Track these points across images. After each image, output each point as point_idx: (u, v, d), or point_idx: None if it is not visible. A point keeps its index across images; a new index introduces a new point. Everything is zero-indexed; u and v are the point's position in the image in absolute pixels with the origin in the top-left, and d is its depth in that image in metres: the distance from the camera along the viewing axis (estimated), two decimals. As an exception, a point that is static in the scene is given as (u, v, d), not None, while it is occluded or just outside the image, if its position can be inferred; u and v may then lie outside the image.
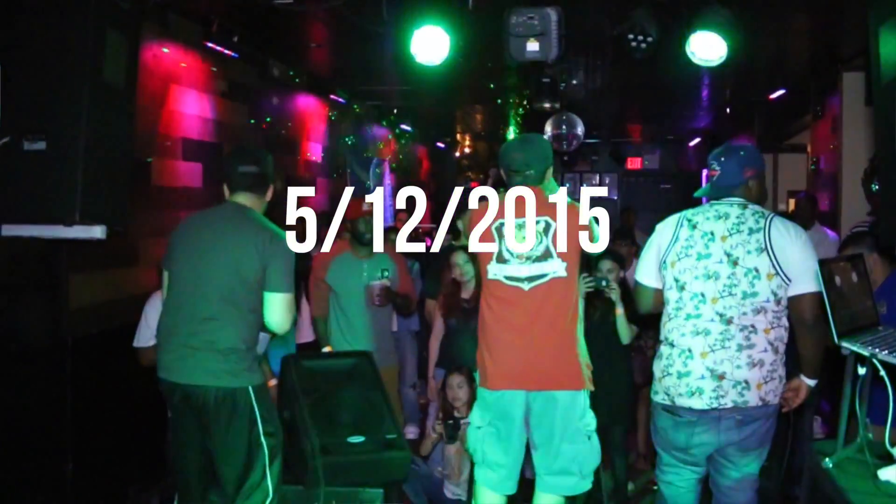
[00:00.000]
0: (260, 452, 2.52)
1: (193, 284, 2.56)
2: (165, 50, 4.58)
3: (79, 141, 2.53)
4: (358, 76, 7.12)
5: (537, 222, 2.49)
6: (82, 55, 2.55)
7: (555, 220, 2.47)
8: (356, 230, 3.89)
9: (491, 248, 2.53)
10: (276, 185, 2.82)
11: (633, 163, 12.61)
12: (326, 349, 3.88)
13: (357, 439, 3.10)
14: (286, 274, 2.52)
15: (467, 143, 12.38)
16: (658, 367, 2.55)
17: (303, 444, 2.98)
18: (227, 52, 5.24)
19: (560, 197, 2.54)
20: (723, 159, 2.56)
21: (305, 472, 2.93)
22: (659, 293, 2.59)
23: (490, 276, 2.53)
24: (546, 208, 2.49)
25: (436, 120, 10.03)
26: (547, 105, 6.65)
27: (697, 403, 2.44)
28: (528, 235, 2.48)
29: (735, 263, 2.46)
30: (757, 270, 2.44)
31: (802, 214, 5.16)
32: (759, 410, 2.43)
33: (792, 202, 6.50)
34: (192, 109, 5.05)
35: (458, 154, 12.60)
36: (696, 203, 2.76)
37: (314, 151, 7.51)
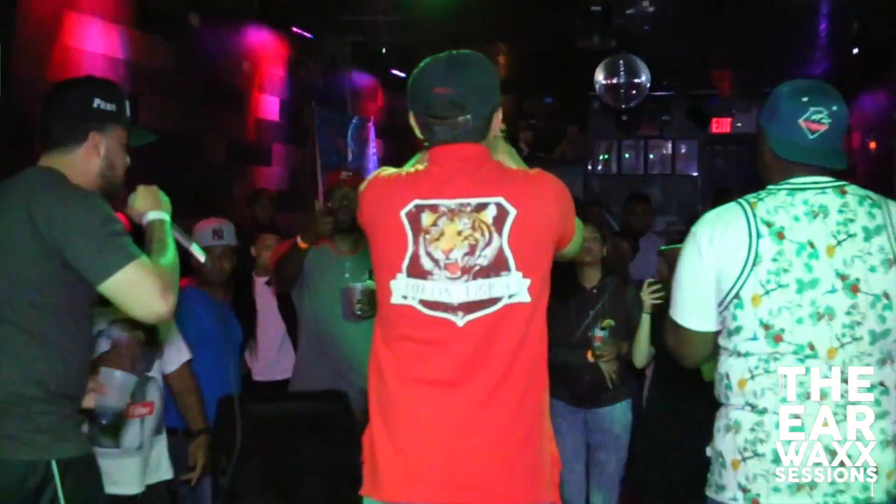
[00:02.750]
0: None
1: None
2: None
3: None
4: (332, 1, 7.23)
5: (481, 207, 2.19)
6: None
7: (513, 202, 2.18)
8: (332, 209, 3.88)
9: (396, 250, 2.20)
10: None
11: (720, 125, 12.43)
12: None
13: (326, 517, 3.00)
14: (104, 240, 2.23)
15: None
16: (730, 444, 2.23)
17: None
18: (144, -34, 5.47)
19: (517, 161, 2.34)
20: (834, 107, 2.23)
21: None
22: (715, 337, 2.31)
23: (395, 299, 2.20)
24: (497, 183, 2.21)
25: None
26: (597, 43, 6.67)
27: (806, 502, 2.17)
28: (464, 230, 2.19)
29: (854, 290, 2.18)
30: (888, 296, 2.17)
31: None
32: None
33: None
34: (94, 46, 5.10)
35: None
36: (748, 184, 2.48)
37: (269, 107, 7.51)
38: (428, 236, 2.18)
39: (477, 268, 2.18)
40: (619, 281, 4.22)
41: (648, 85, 8.26)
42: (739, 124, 12.28)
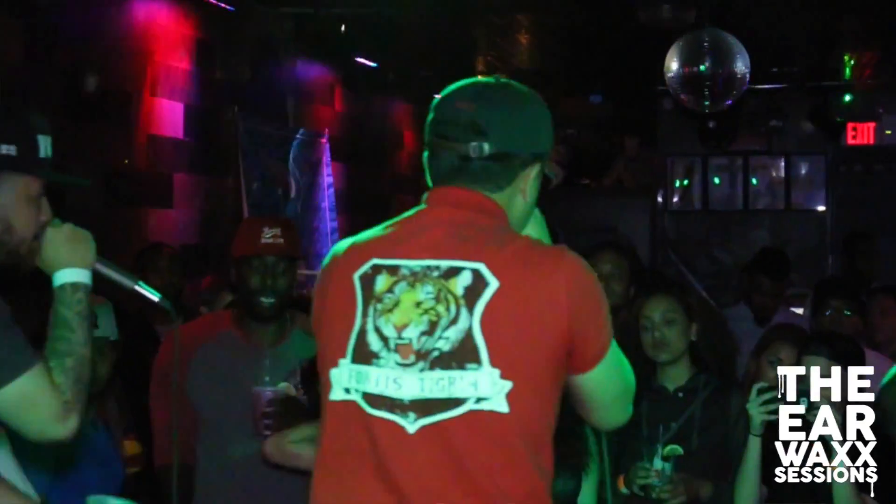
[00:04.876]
0: None
1: None
2: None
3: None
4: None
5: (452, 272, 2.39)
6: None
7: (497, 272, 2.36)
8: (247, 287, 4.05)
9: (342, 326, 2.43)
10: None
11: (859, 133, 12.52)
12: None
13: None
14: None
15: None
16: None
17: None
18: None
19: (541, 233, 2.60)
20: None
21: None
22: None
23: (335, 394, 2.43)
24: (482, 244, 2.41)
25: (432, 48, 10.14)
26: (669, 15, 7.06)
27: None
28: (425, 300, 2.38)
29: None
30: None
31: None
32: None
33: None
34: None
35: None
36: None
37: (168, 118, 7.57)
38: (380, 306, 2.37)
39: (436, 353, 2.34)
40: (719, 382, 4.21)
41: (748, 75, 8.05)
42: (889, 132, 12.52)
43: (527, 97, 2.52)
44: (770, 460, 3.90)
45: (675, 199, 13.43)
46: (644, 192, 12.36)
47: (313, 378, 3.58)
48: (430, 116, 2.56)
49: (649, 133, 12.76)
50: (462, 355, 2.33)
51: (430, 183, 2.52)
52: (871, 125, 12.41)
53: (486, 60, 11.07)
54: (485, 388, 2.33)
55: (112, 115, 6.90)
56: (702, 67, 7.99)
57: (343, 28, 8.87)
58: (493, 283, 2.33)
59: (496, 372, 2.32)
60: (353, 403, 2.39)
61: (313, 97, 9.59)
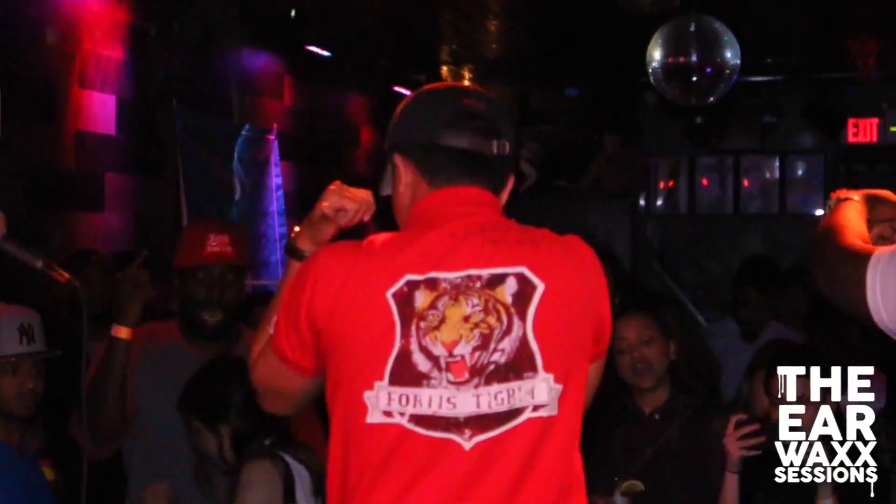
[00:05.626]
0: None
1: None
2: None
3: None
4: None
5: (497, 280, 2.53)
6: None
7: (540, 273, 2.53)
8: (192, 300, 4.12)
9: (377, 348, 2.52)
10: None
11: (862, 130, 12.52)
12: None
13: None
14: None
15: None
16: None
17: None
18: None
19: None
20: None
21: None
22: None
23: (372, 417, 2.53)
24: (517, 246, 2.57)
25: (391, 36, 10.26)
26: (652, 0, 7.05)
27: None
28: (473, 314, 2.50)
29: None
30: None
31: None
32: None
33: None
34: None
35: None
36: None
37: (98, 112, 7.55)
38: (423, 324, 2.47)
39: (492, 367, 2.48)
40: (698, 404, 4.28)
41: (737, 67, 7.99)
42: (894, 128, 12.55)
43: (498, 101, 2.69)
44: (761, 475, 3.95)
45: (659, 203, 13.53)
46: (625, 195, 12.48)
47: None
48: (419, 114, 2.66)
49: (631, 130, 12.81)
50: (519, 364, 2.48)
51: (437, 177, 2.60)
52: (875, 121, 12.44)
53: (452, 50, 11.07)
54: (541, 394, 2.49)
55: (35, 110, 6.84)
56: (688, 58, 7.87)
57: (293, 13, 8.87)
58: (540, 286, 2.49)
59: (550, 377, 2.49)
60: (397, 426, 2.49)
61: (260, 90, 9.57)
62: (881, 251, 2.47)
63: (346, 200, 2.85)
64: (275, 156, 9.56)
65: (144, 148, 7.84)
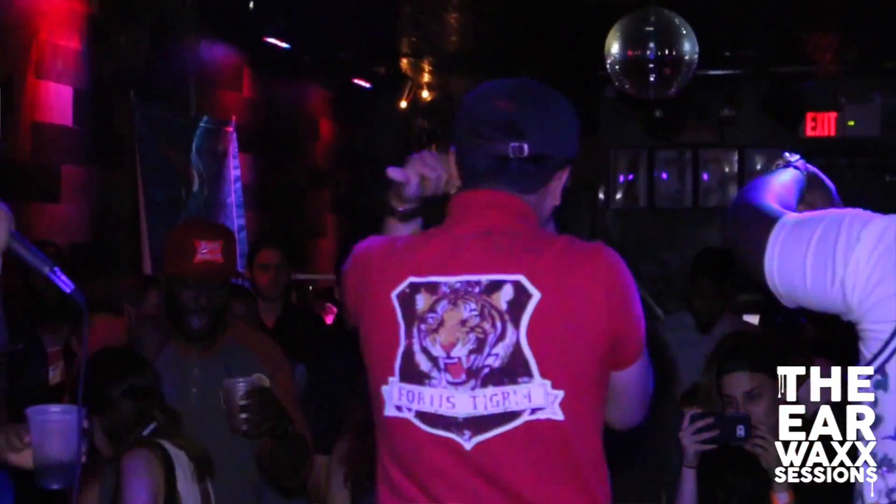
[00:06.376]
0: None
1: None
2: None
3: None
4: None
5: (494, 287, 2.58)
6: None
7: (537, 283, 2.55)
8: (178, 304, 4.18)
9: (386, 346, 2.64)
10: None
11: (820, 124, 12.69)
12: None
13: None
14: None
15: (426, 78, 12.73)
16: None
17: None
18: None
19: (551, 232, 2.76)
20: None
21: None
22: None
23: (389, 410, 2.66)
24: (520, 254, 2.60)
25: (350, 28, 10.33)
26: None
27: None
28: (469, 318, 2.58)
29: None
30: None
31: None
32: None
33: None
34: None
35: (404, 104, 12.94)
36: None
37: (55, 104, 7.57)
38: (424, 326, 2.56)
39: (486, 370, 2.54)
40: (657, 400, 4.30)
41: (696, 60, 8.17)
42: (852, 122, 12.62)
43: (561, 100, 2.68)
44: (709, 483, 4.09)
45: (619, 196, 13.56)
46: (584, 189, 12.70)
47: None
48: (461, 114, 2.70)
49: (590, 123, 12.65)
50: (513, 370, 2.53)
51: (462, 181, 2.68)
52: (833, 115, 12.58)
53: (411, 42, 11.16)
54: (538, 398, 2.53)
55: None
56: (646, 51, 8.04)
57: (251, 5, 8.85)
58: (535, 295, 2.51)
59: (547, 383, 2.53)
60: (406, 421, 2.60)
61: (219, 81, 9.58)
62: (789, 217, 2.54)
63: (426, 168, 2.86)
64: (233, 148, 9.55)
65: (101, 139, 7.86)
